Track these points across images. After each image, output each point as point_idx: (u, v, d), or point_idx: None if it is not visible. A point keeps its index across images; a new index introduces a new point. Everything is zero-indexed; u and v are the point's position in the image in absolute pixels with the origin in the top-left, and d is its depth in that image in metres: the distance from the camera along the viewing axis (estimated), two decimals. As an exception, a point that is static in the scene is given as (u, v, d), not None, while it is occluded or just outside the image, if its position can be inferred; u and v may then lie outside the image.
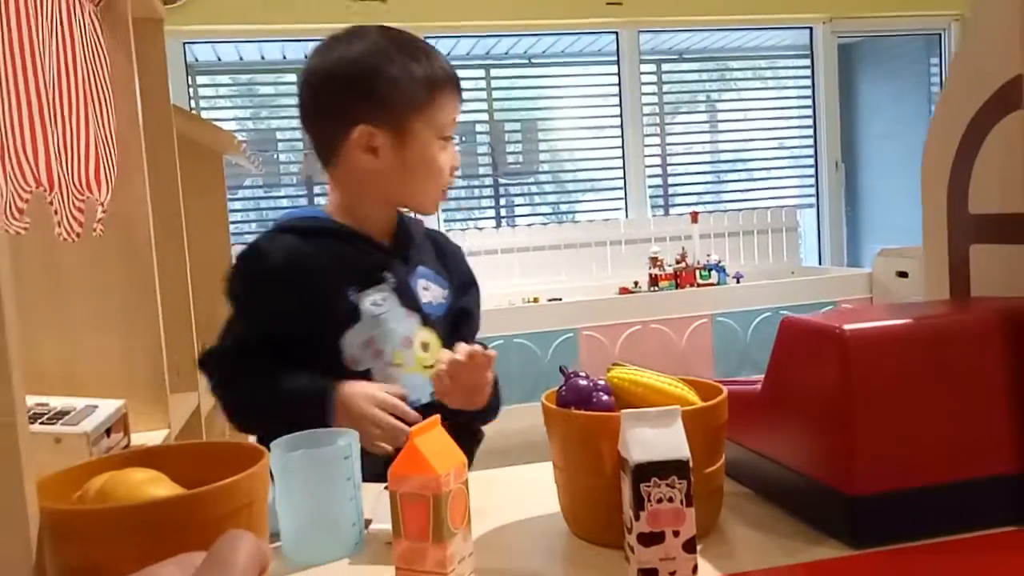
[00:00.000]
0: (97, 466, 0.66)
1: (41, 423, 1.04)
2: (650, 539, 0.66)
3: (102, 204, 1.04)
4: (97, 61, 1.08)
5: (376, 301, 1.11)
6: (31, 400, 1.14)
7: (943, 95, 1.04)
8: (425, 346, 1.14)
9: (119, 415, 1.15)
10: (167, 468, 0.65)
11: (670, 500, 0.66)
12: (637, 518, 0.66)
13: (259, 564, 0.46)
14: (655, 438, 0.68)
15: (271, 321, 1.09)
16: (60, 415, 1.07)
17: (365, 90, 1.09)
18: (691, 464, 0.67)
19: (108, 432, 1.11)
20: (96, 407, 1.11)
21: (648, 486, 0.66)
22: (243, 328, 1.12)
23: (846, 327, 0.70)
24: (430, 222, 4.11)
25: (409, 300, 1.14)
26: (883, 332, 0.71)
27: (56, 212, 0.94)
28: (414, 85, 1.10)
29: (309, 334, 1.08)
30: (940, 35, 4.63)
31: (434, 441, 0.70)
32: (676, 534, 0.67)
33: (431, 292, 1.18)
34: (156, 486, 0.61)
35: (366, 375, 1.10)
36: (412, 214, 1.24)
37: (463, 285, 1.25)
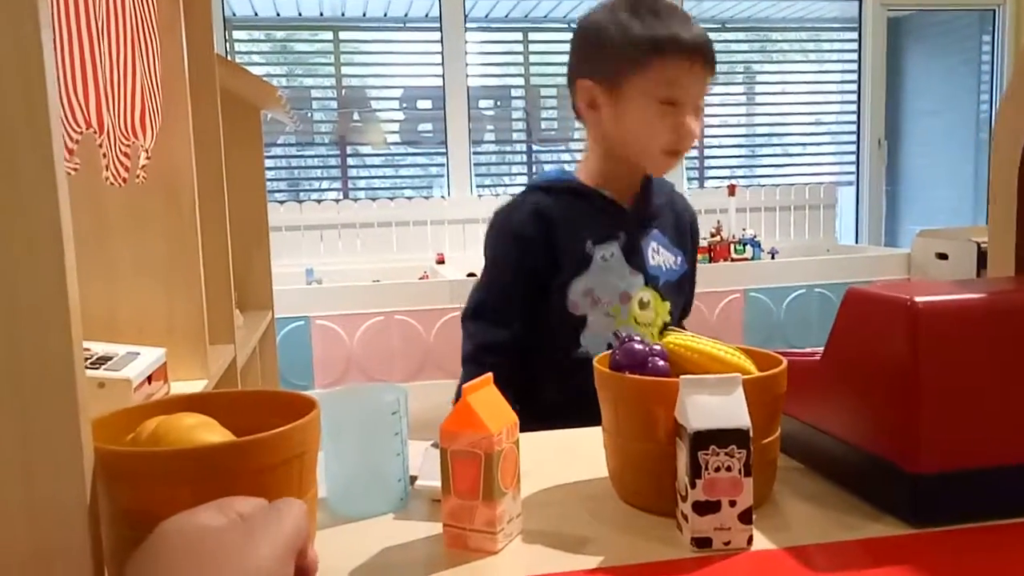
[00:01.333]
0: (149, 410, 0.65)
1: (85, 367, 1.04)
2: (706, 508, 0.65)
3: (147, 150, 1.04)
4: (145, 3, 1.06)
5: (605, 255, 1.20)
6: (74, 344, 1.14)
7: (1017, 63, 1.00)
8: (643, 304, 1.21)
9: (160, 363, 1.15)
10: (218, 415, 0.65)
11: (728, 469, 0.65)
12: (693, 486, 0.65)
13: (304, 530, 0.45)
14: (715, 405, 0.66)
15: (516, 272, 1.21)
16: (103, 360, 1.07)
17: (587, 46, 1.18)
18: (751, 434, 0.65)
19: (150, 379, 1.11)
20: (138, 354, 1.11)
21: (706, 454, 0.64)
22: (494, 282, 1.26)
23: (918, 299, 0.67)
24: (462, 183, 4.06)
25: (636, 259, 1.21)
26: (955, 305, 0.68)
27: (104, 155, 0.93)
28: (631, 44, 1.13)
29: (546, 279, 1.20)
30: (994, 11, 4.49)
31: (486, 399, 0.68)
32: (732, 504, 0.65)
33: (661, 256, 1.24)
34: (208, 432, 0.60)
35: (582, 320, 1.19)
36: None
37: (694, 255, 1.34)
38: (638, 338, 0.76)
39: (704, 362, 0.74)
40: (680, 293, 1.29)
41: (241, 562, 0.40)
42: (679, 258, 1.28)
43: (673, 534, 0.69)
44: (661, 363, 0.74)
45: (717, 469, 0.65)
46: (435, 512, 0.74)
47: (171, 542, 0.42)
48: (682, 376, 0.68)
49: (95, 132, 0.89)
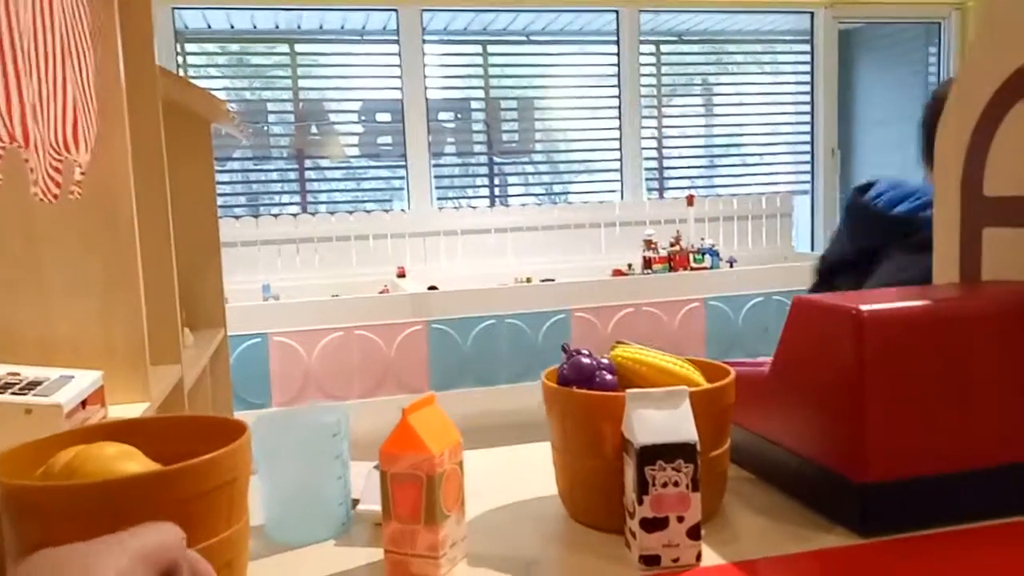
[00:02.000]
0: (66, 439, 0.62)
1: (12, 393, 1.00)
2: (653, 524, 0.63)
3: (80, 165, 1.00)
4: (77, 13, 1.03)
5: None
6: (2, 369, 1.09)
7: (960, 76, 1.01)
8: None
9: (96, 386, 1.11)
10: (143, 443, 0.62)
11: (675, 484, 0.63)
12: (640, 502, 0.63)
13: (174, 548, 0.43)
14: (662, 420, 0.64)
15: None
16: (32, 385, 1.03)
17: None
18: (699, 448, 0.63)
19: (84, 404, 1.07)
20: (72, 377, 1.06)
21: (653, 469, 0.63)
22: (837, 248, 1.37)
23: (863, 307, 0.66)
24: (422, 196, 4.03)
25: None
26: (901, 313, 0.67)
27: (32, 171, 0.89)
28: None
29: None
30: (940, 24, 4.59)
31: (428, 418, 0.66)
32: (680, 520, 0.63)
33: None
34: (129, 461, 0.57)
35: None
36: None
37: None
38: (586, 352, 0.74)
39: (652, 375, 0.72)
40: None
41: (98, 570, 0.39)
42: None
43: (623, 552, 0.67)
44: (609, 377, 0.73)
45: (664, 485, 0.63)
46: (378, 537, 0.71)
47: (37, 567, 0.39)
48: (628, 390, 0.66)
49: (20, 147, 0.85)
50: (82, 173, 1.01)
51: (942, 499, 0.68)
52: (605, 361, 0.74)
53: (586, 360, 0.73)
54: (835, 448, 0.69)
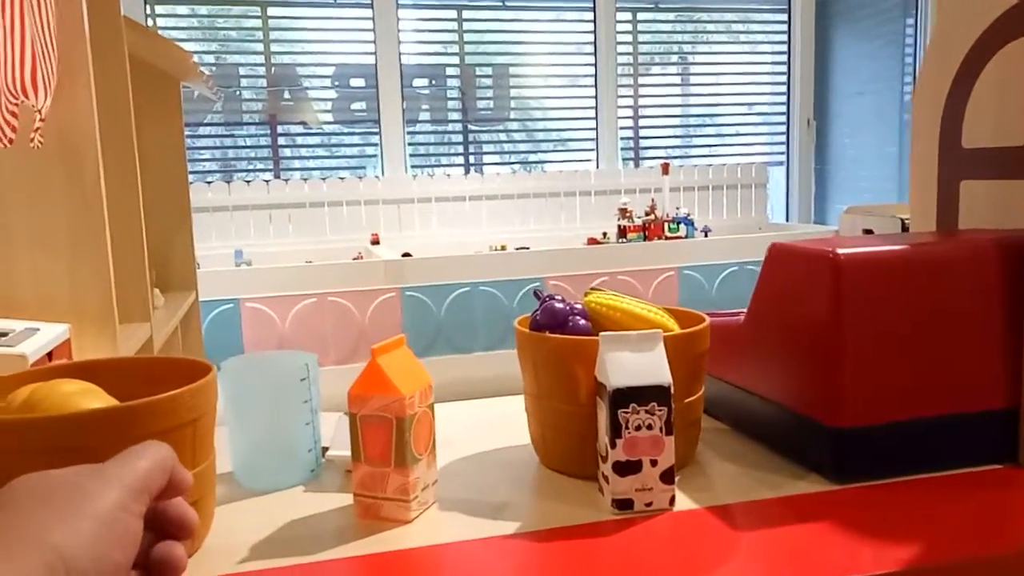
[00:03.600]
0: (26, 377, 0.60)
1: (-26, 344, 0.97)
2: (626, 468, 0.63)
3: (39, 111, 0.96)
4: (37, -46, 0.99)
5: None
6: (-34, 321, 1.06)
7: (936, 28, 1.00)
8: None
9: (62, 340, 1.08)
10: (106, 383, 0.60)
11: (649, 428, 0.62)
12: (613, 446, 0.62)
13: (166, 470, 0.42)
14: (635, 362, 0.63)
15: None
16: (-3, 336, 1.00)
17: None
18: (672, 391, 0.63)
19: (50, 357, 1.05)
20: (37, 330, 1.04)
21: (626, 412, 0.62)
22: None
23: (840, 251, 0.66)
24: (396, 163, 3.99)
25: None
26: (877, 257, 0.67)
27: (-12, 112, 0.86)
28: None
29: None
30: (917, -6, 4.59)
31: (398, 360, 0.65)
32: (654, 463, 0.63)
33: None
34: (89, 398, 0.55)
35: None
36: None
37: None
38: (559, 297, 0.73)
39: (625, 320, 0.72)
40: None
41: (91, 505, 0.38)
42: None
43: (595, 497, 0.67)
44: (582, 322, 0.72)
45: (638, 428, 0.62)
46: (348, 484, 0.70)
47: (17, 491, 0.38)
48: (602, 333, 0.65)
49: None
50: (41, 120, 0.98)
51: (917, 445, 0.68)
52: (578, 306, 0.73)
53: (559, 305, 0.72)
54: (810, 394, 0.69)
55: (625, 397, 0.62)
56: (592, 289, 0.76)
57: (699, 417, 0.73)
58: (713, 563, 0.56)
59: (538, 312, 0.73)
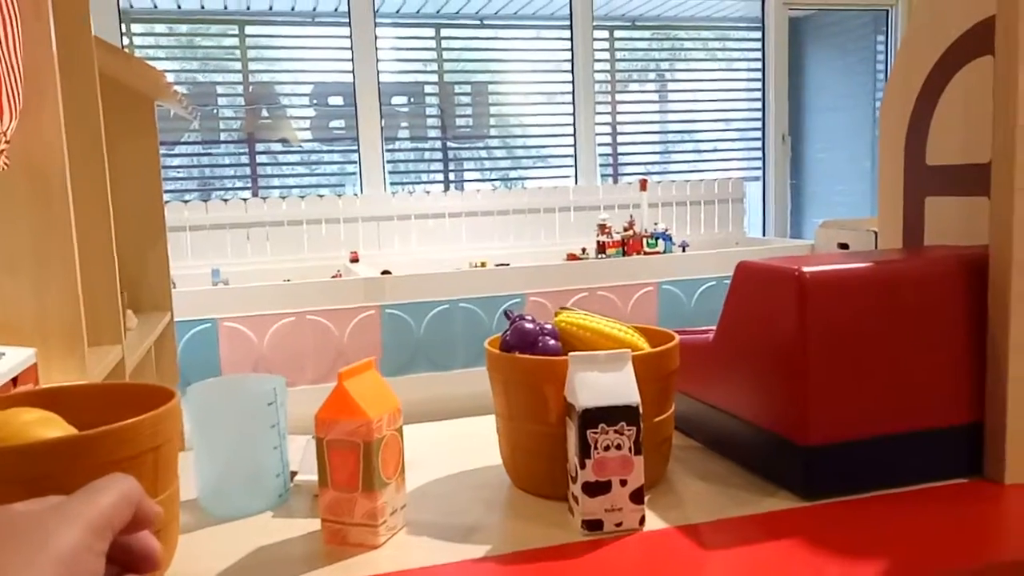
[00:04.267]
0: (-16, 406, 0.59)
1: (-62, 369, 0.96)
2: (596, 488, 0.62)
3: (4, 133, 0.96)
4: (3, -24, 0.98)
5: None
6: (-70, 346, 1.04)
7: (902, 46, 1.01)
8: None
9: (28, 364, 1.07)
10: (67, 411, 0.59)
11: (618, 448, 0.62)
12: (583, 466, 0.62)
13: (131, 504, 0.41)
14: (604, 382, 0.63)
15: None
16: (-39, 361, 0.98)
17: None
18: (641, 411, 0.63)
19: (15, 382, 1.03)
20: (2, 354, 1.02)
21: (595, 433, 0.62)
22: None
23: (805, 269, 0.66)
24: (375, 181, 3.99)
25: None
26: (842, 275, 0.67)
27: (-49, 135, 0.85)
28: None
29: None
30: (887, 12, 4.66)
31: (365, 383, 0.64)
32: (623, 483, 0.63)
33: None
34: (48, 427, 0.54)
35: None
36: None
37: None
38: (529, 317, 0.73)
39: (594, 339, 0.72)
40: None
41: (52, 545, 0.37)
42: None
43: (566, 518, 0.66)
44: (552, 342, 0.72)
45: (607, 448, 0.62)
46: (316, 508, 0.69)
47: None
48: (571, 353, 0.65)
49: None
50: (7, 142, 0.97)
51: (885, 461, 0.69)
52: (548, 327, 0.73)
53: (529, 326, 0.72)
54: (778, 412, 0.69)
55: (594, 417, 0.62)
56: (563, 308, 0.76)
57: (670, 435, 0.73)
58: (682, 584, 0.55)
59: (508, 332, 0.73)
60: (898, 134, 0.97)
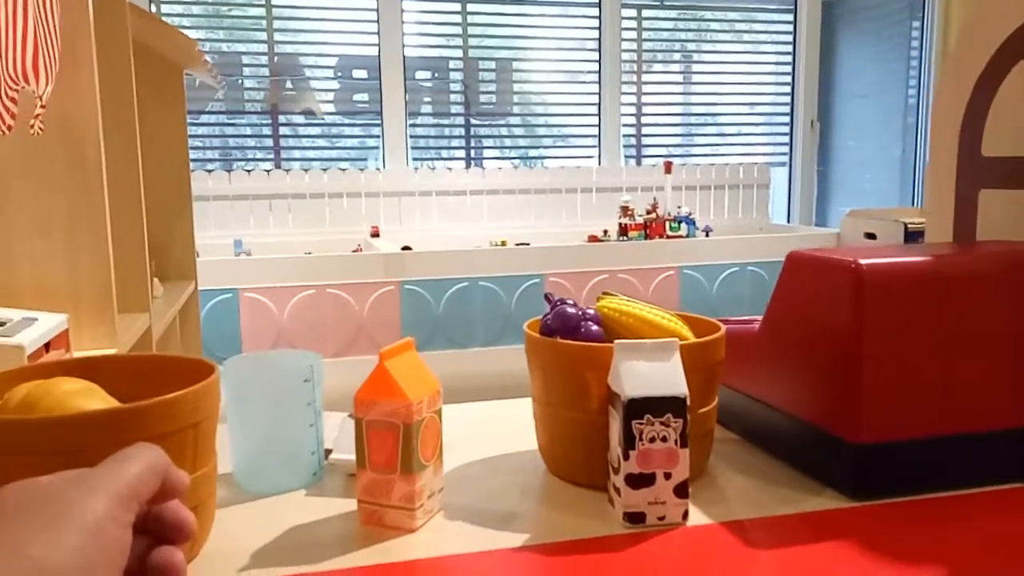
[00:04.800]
0: (24, 374, 0.58)
1: (-29, 333, 0.95)
2: (639, 480, 0.61)
3: (40, 97, 0.94)
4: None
5: None
6: (-39, 310, 1.04)
7: (958, 35, 0.98)
8: None
9: (60, 330, 1.06)
10: (105, 381, 0.58)
11: (663, 440, 0.61)
12: (626, 457, 0.61)
13: (157, 474, 0.40)
14: (651, 372, 0.62)
15: None
16: (-7, 326, 0.98)
17: None
18: (688, 402, 0.61)
19: (47, 347, 1.03)
20: (35, 319, 1.02)
21: (640, 423, 0.60)
22: None
23: (862, 261, 0.64)
24: (398, 155, 3.97)
25: None
26: (901, 269, 0.65)
27: (-13, 98, 0.84)
28: None
29: None
30: (924, -3, 4.57)
31: (406, 364, 0.63)
32: (668, 476, 0.61)
33: None
34: (88, 398, 0.54)
35: None
36: None
37: None
38: (571, 302, 0.72)
39: (639, 327, 0.70)
40: None
41: (76, 515, 0.36)
42: None
43: (605, 509, 0.65)
44: (595, 328, 0.70)
45: (652, 439, 0.61)
46: (351, 488, 0.69)
47: (1, 501, 0.36)
48: (617, 341, 0.63)
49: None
50: (42, 106, 0.96)
51: (938, 463, 0.67)
52: (591, 312, 0.71)
53: (571, 310, 0.70)
54: (829, 408, 0.67)
55: (640, 408, 0.60)
56: (605, 294, 0.74)
57: (712, 428, 0.72)
58: (729, 582, 0.54)
59: (549, 316, 0.71)
60: (952, 126, 0.94)
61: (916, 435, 0.65)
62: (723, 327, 0.70)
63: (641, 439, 0.61)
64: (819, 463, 0.69)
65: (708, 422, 0.70)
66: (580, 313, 0.71)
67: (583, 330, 0.70)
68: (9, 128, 0.89)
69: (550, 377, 0.69)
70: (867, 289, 0.63)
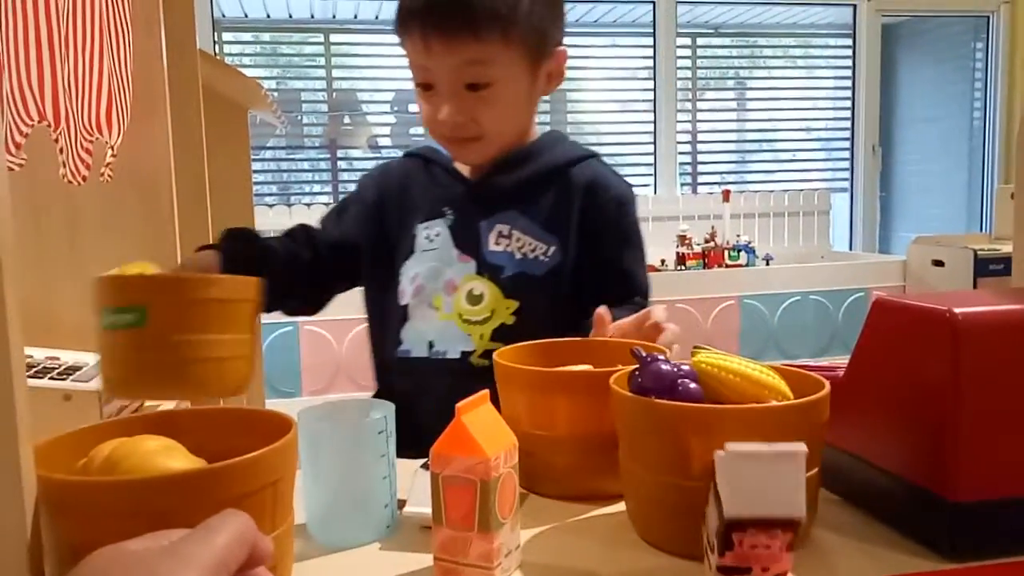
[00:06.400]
0: (105, 431, 0.59)
1: (51, 378, 0.98)
2: (734, 572, 0.57)
3: (112, 147, 0.97)
4: (118, -7, 1.00)
5: (430, 236, 1.05)
6: (41, 353, 1.07)
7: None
8: (475, 298, 1.02)
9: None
10: (184, 435, 0.58)
11: (767, 547, 0.56)
12: (721, 555, 0.56)
13: (246, 543, 0.40)
14: (763, 482, 0.53)
15: (357, 234, 1.11)
16: (71, 370, 1.00)
17: None
18: (804, 522, 0.53)
19: (120, 392, 1.04)
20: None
21: (742, 535, 0.55)
22: (333, 214, 1.17)
23: (958, 311, 0.61)
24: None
25: (465, 242, 1.04)
26: (997, 317, 0.62)
27: (62, 151, 0.86)
28: (397, 19, 1.01)
29: (380, 258, 1.09)
30: (988, 18, 4.46)
31: (482, 418, 0.62)
32: (765, 571, 0.57)
33: (513, 243, 1.03)
34: (170, 457, 0.54)
35: (404, 312, 1.05)
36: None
37: (605, 243, 1.06)
38: (663, 358, 0.69)
39: (740, 384, 0.66)
40: (552, 292, 1.03)
41: None
42: (552, 248, 1.03)
43: (694, 569, 0.62)
44: (692, 386, 0.67)
45: (754, 547, 0.56)
46: (425, 540, 0.67)
47: (94, 571, 0.36)
48: (726, 447, 0.55)
49: (50, 126, 0.82)
50: (113, 155, 0.98)
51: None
52: (685, 367, 0.68)
53: (665, 367, 0.67)
54: (925, 463, 0.64)
55: (744, 525, 0.54)
56: (697, 348, 0.71)
57: (816, 495, 0.67)
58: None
59: (639, 373, 0.68)
60: (1038, 158, 0.91)
61: (1017, 493, 0.62)
62: (827, 384, 0.66)
63: (740, 546, 0.56)
64: (914, 521, 0.65)
65: (812, 488, 0.66)
66: (675, 370, 0.67)
67: (681, 388, 0.66)
68: (84, 179, 0.91)
69: (645, 439, 0.66)
70: (963, 339, 0.60)
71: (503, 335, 0.99)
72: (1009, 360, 0.61)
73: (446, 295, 1.03)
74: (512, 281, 1.02)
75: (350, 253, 1.12)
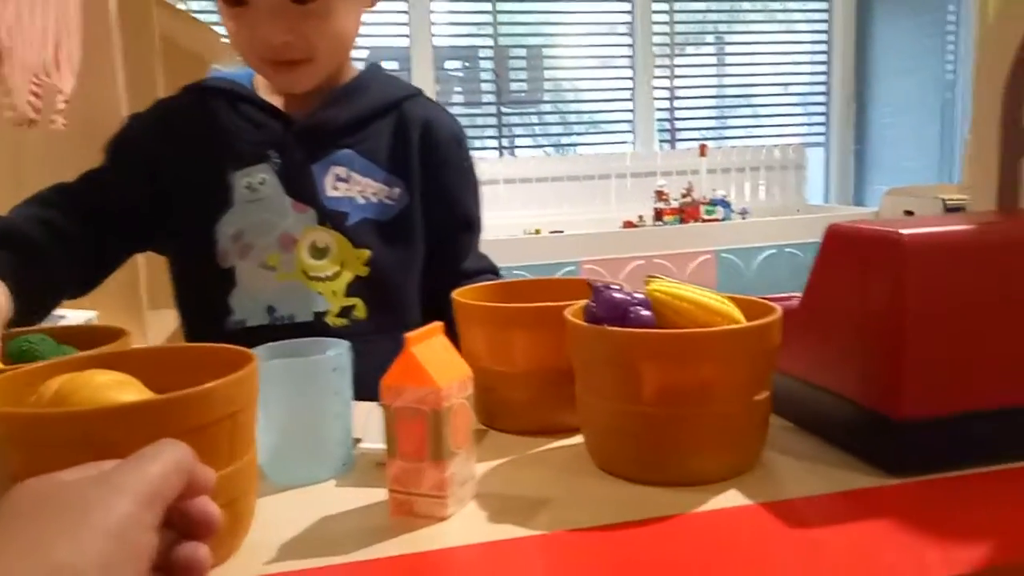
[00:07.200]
0: (58, 367, 0.58)
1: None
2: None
3: (62, 92, 0.94)
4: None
5: (252, 184, 0.91)
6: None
7: (999, 3, 0.94)
8: (320, 251, 0.92)
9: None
10: (140, 374, 0.57)
11: None
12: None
13: (182, 472, 0.39)
14: None
15: (133, 191, 0.91)
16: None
17: None
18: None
19: (80, 344, 1.03)
20: (63, 316, 1.03)
21: None
22: (96, 176, 0.94)
23: (904, 232, 0.61)
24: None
25: (298, 189, 0.91)
26: (945, 239, 0.63)
27: (8, 92, 0.84)
28: None
29: (181, 216, 0.92)
30: (962, -31, 4.44)
31: (434, 349, 0.62)
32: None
33: (355, 186, 0.94)
34: (122, 390, 0.53)
35: (230, 275, 0.91)
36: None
37: (446, 183, 1.00)
38: (616, 287, 0.69)
39: (692, 311, 0.66)
40: (403, 237, 0.97)
41: (99, 518, 0.35)
42: (398, 190, 0.96)
43: (650, 500, 0.62)
44: (645, 313, 0.67)
45: None
46: (381, 477, 0.67)
47: (22, 499, 0.36)
48: None
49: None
50: (65, 101, 0.96)
51: (982, 437, 0.64)
52: (639, 296, 0.68)
53: (618, 295, 0.67)
54: (872, 384, 0.65)
55: None
56: (652, 277, 0.71)
57: (767, 416, 0.68)
58: (773, 561, 0.52)
59: (593, 303, 0.68)
60: (993, 93, 0.91)
61: (960, 409, 0.63)
62: (779, 308, 0.67)
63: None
64: (860, 440, 0.66)
65: (763, 410, 0.66)
66: (628, 298, 0.68)
67: (632, 316, 0.66)
68: (31, 123, 0.89)
69: (599, 368, 0.66)
70: (910, 261, 0.61)
71: (359, 289, 0.92)
72: (955, 280, 0.62)
73: (283, 252, 0.91)
74: (359, 228, 0.93)
75: (128, 217, 0.94)
